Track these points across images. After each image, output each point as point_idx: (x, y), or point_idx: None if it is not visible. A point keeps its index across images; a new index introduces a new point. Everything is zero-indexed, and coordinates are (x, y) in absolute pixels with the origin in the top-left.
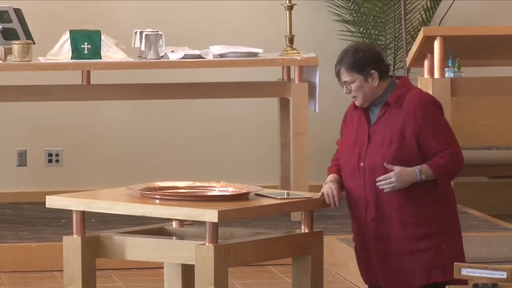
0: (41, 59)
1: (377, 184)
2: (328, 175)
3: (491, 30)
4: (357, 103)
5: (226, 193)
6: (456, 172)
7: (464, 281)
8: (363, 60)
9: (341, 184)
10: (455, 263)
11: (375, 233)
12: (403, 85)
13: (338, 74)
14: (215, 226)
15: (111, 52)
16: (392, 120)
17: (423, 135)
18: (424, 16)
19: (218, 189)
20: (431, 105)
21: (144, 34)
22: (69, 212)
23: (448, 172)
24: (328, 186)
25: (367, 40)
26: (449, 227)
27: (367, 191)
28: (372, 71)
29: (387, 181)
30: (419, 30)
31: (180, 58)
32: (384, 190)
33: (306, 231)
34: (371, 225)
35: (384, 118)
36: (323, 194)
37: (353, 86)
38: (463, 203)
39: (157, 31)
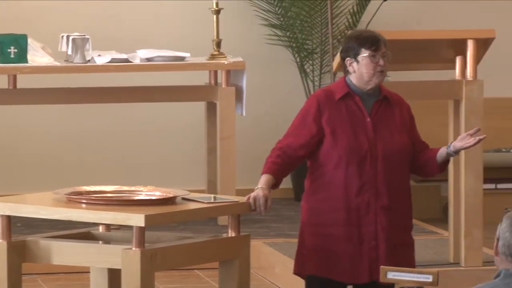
0: None
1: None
2: (264, 172)
3: (416, 34)
4: (379, 80)
5: (153, 198)
6: None
7: None
8: None
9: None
10: (381, 266)
11: (387, 221)
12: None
13: (378, 44)
14: (141, 230)
15: (37, 56)
16: (390, 112)
17: (414, 128)
18: (350, 20)
19: (145, 193)
20: None
21: (71, 38)
22: None
23: None
24: (262, 194)
25: (294, 45)
26: None
27: (379, 178)
28: None
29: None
30: (345, 34)
31: (107, 62)
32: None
33: (233, 235)
34: (383, 212)
35: (381, 110)
36: (249, 198)
37: (386, 60)
38: None
39: (84, 35)
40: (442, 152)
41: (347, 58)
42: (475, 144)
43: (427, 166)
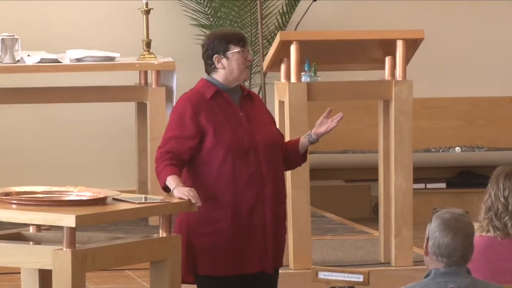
0: None
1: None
2: (166, 175)
3: (345, 34)
4: (247, 75)
5: (84, 198)
6: None
7: None
8: None
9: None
10: (312, 266)
11: (274, 210)
12: None
13: (245, 40)
14: (72, 231)
15: None
16: (255, 106)
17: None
18: (280, 20)
19: (76, 193)
20: None
21: (0, 38)
22: None
23: None
24: (187, 189)
25: None
26: None
27: (264, 168)
28: None
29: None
30: (275, 35)
31: (37, 62)
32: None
33: (164, 235)
34: (271, 201)
35: (248, 105)
36: (181, 199)
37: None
38: (319, 207)
39: (13, 35)
40: (303, 142)
41: (215, 55)
42: (335, 126)
43: (294, 159)
